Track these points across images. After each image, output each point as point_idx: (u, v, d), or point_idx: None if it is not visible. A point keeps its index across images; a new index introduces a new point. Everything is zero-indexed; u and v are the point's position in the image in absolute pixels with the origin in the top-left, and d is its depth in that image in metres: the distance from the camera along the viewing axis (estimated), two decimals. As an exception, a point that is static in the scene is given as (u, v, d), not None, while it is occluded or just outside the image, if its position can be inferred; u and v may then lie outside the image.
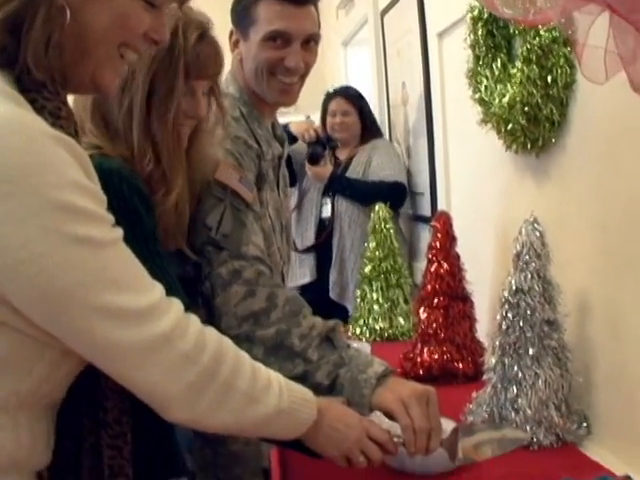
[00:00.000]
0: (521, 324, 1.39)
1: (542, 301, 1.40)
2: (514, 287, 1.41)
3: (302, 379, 1.04)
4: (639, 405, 1.26)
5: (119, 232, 0.78)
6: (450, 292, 1.87)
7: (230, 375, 0.82)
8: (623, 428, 1.33)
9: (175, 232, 1.12)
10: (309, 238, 3.10)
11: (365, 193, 2.96)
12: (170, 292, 0.82)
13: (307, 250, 3.08)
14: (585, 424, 1.43)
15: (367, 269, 2.34)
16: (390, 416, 1.05)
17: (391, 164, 3.03)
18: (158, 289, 0.80)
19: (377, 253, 2.34)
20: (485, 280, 1.97)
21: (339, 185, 3.03)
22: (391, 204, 2.44)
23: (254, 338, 1.07)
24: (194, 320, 0.82)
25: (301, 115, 3.43)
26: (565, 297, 1.44)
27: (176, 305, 0.81)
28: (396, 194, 2.94)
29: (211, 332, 0.84)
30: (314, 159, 2.97)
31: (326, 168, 3.01)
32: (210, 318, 1.09)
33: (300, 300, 1.15)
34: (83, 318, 0.72)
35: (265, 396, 0.85)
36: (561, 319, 1.43)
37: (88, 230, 0.71)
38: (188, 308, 0.84)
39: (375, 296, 2.34)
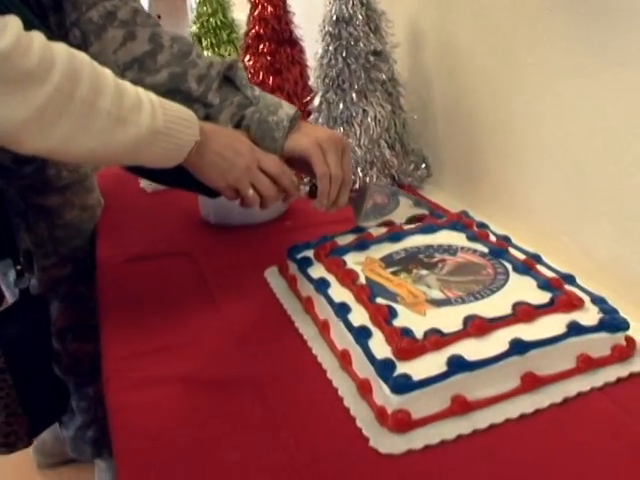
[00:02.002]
0: (344, 55, 1.27)
1: (367, 30, 1.28)
2: (334, 16, 1.27)
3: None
4: (477, 143, 1.22)
5: None
6: (276, 37, 1.72)
7: (89, 94, 0.71)
8: (462, 168, 1.30)
9: None
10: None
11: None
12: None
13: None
14: (424, 165, 1.40)
15: (195, 27, 2.14)
16: (301, 164, 0.94)
17: None
18: None
19: (205, 8, 2.13)
20: (316, 20, 1.81)
21: None
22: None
23: (143, 86, 0.90)
24: (38, 36, 0.69)
25: None
26: (394, 26, 1.33)
27: (13, 22, 0.67)
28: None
29: (60, 47, 0.71)
30: None
31: None
32: None
33: (187, 39, 0.98)
34: None
35: (135, 115, 0.75)
36: (390, 50, 1.32)
37: None
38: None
39: (206, 54, 2.17)
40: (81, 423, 1.44)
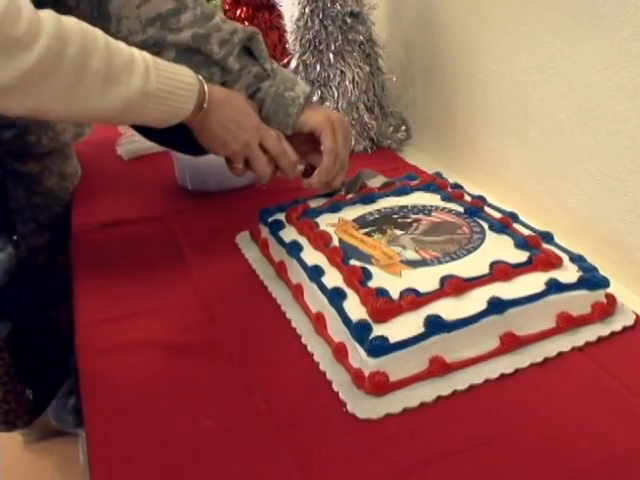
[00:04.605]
0: (320, 17, 1.24)
1: (343, -10, 1.25)
2: (311, -24, 1.23)
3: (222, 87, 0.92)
4: (456, 104, 1.20)
5: None
6: (254, 1, 1.69)
7: (77, 54, 0.70)
8: (442, 130, 1.28)
9: None
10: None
11: None
12: None
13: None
14: (403, 127, 1.37)
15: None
16: (305, 142, 0.94)
17: None
18: None
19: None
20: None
21: None
22: None
23: (164, 43, 0.90)
24: (26, 4, 0.68)
25: None
26: (371, -15, 1.29)
27: None
28: None
29: (47, 14, 0.69)
30: None
31: None
32: (102, 22, 0.90)
33: (208, 4, 0.95)
34: None
35: (125, 76, 0.74)
36: (367, 12, 1.29)
37: None
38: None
39: None
40: (62, 391, 1.43)
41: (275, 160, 0.90)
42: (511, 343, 0.69)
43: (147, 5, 0.89)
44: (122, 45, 0.75)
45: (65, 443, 1.60)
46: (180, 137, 0.88)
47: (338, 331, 0.70)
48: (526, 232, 0.81)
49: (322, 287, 0.74)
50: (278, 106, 0.93)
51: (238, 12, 1.69)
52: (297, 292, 0.80)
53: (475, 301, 0.69)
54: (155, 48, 0.89)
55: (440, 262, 0.76)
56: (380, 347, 0.64)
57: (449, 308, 0.68)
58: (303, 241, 0.84)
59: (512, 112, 1.03)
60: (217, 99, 0.84)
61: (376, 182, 1.01)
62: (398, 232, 0.84)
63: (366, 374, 0.64)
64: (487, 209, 0.89)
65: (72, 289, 0.91)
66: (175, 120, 0.81)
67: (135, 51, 0.76)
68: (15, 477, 1.56)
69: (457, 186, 0.97)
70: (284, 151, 0.90)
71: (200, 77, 0.82)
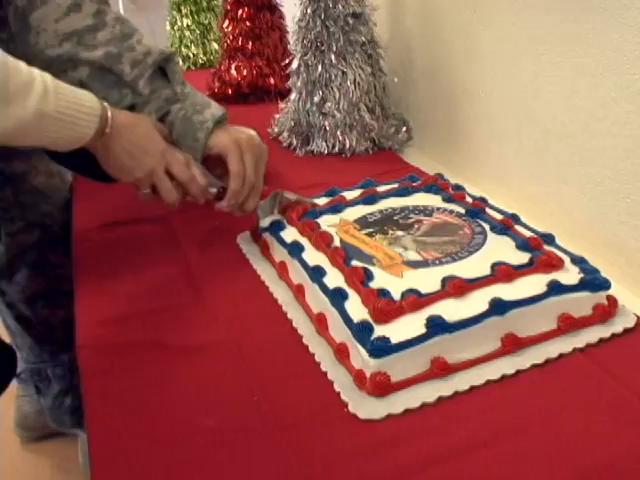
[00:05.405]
0: (322, 18, 1.24)
1: (345, -8, 1.25)
2: (313, -22, 1.23)
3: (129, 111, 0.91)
4: (458, 105, 1.20)
5: None
6: (255, 2, 1.70)
7: None
8: (443, 131, 1.28)
9: None
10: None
11: None
12: None
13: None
14: (405, 129, 1.37)
15: (175, -7, 2.11)
16: (218, 164, 0.92)
17: None
18: None
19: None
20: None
21: None
22: None
23: (78, 59, 0.90)
24: None
25: None
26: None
27: None
28: None
29: None
30: None
31: None
32: (22, 33, 0.91)
33: (131, 23, 0.97)
34: None
35: (22, 96, 0.73)
36: (369, 12, 1.29)
37: None
38: None
39: (186, 22, 2.16)
40: (58, 391, 1.43)
41: (183, 186, 0.88)
42: (512, 344, 0.69)
43: (66, 20, 0.89)
44: (22, 66, 0.74)
45: (64, 443, 1.60)
46: (89, 163, 0.86)
47: (339, 332, 0.70)
48: (527, 234, 0.81)
49: (323, 288, 0.74)
50: (187, 130, 0.92)
51: (240, 12, 1.70)
52: (298, 292, 0.80)
53: (476, 302, 0.69)
54: (70, 63, 0.89)
55: (441, 263, 0.76)
56: (381, 348, 0.64)
57: (451, 309, 0.68)
58: (304, 242, 0.84)
59: (514, 114, 1.03)
60: (121, 124, 0.82)
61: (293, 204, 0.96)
62: (399, 233, 0.84)
63: (367, 375, 0.64)
64: (488, 210, 0.89)
65: (70, 288, 0.91)
66: (76, 144, 0.80)
67: (36, 73, 0.75)
68: (14, 478, 1.56)
69: (458, 187, 0.97)
70: (192, 177, 0.87)
71: (105, 103, 0.81)
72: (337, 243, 0.82)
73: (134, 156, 0.84)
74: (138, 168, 0.85)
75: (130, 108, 0.92)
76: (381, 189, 0.98)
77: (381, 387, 0.64)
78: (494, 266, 0.73)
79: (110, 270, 0.92)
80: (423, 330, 0.66)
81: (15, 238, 1.24)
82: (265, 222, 0.93)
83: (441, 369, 0.66)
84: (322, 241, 0.82)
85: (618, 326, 0.73)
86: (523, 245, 0.78)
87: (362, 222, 0.88)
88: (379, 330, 0.66)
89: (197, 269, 0.91)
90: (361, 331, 0.66)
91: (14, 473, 1.56)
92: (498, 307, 0.68)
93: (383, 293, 0.69)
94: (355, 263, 0.77)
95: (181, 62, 2.14)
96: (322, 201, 0.95)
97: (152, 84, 0.93)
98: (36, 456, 1.61)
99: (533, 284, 0.71)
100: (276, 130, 1.41)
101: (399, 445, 0.59)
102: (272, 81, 1.69)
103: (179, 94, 0.94)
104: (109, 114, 0.81)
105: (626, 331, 0.73)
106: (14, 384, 1.55)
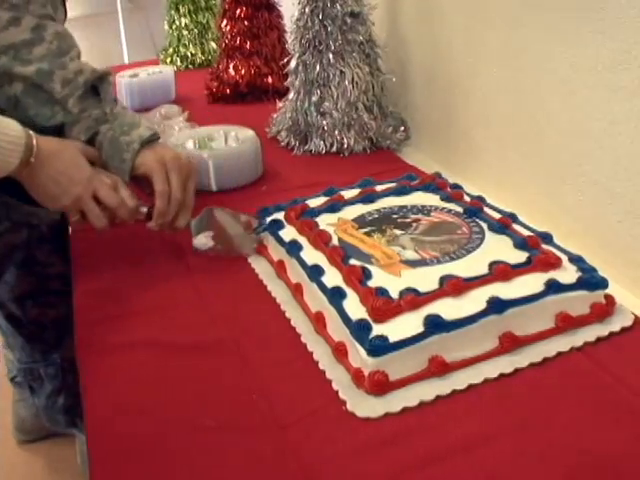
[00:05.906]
0: (320, 17, 1.24)
1: (343, -9, 1.25)
2: (309, -24, 1.24)
3: (59, 131, 0.92)
4: (456, 105, 1.20)
5: None
6: (253, 1, 1.70)
7: None
8: (441, 130, 1.28)
9: None
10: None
11: None
12: None
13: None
14: (403, 128, 1.37)
15: (173, -7, 2.10)
16: (146, 183, 0.92)
17: None
18: None
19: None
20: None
21: None
22: None
23: (12, 74, 0.89)
24: None
25: None
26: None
27: None
28: None
29: None
30: None
31: None
32: None
33: (72, 39, 0.96)
34: None
35: None
36: (367, 12, 1.29)
37: None
38: None
39: (184, 21, 2.15)
40: (50, 391, 1.42)
41: (111, 211, 0.88)
42: (510, 343, 0.69)
43: (4, 33, 0.88)
44: None
45: (60, 444, 1.60)
46: (18, 188, 0.86)
47: (338, 330, 0.70)
48: (525, 233, 0.81)
49: (322, 286, 0.74)
50: (114, 151, 0.92)
51: (238, 12, 1.69)
52: (297, 291, 0.80)
53: (474, 301, 0.69)
54: (6, 77, 0.88)
55: (439, 262, 0.77)
56: (380, 346, 0.64)
57: (449, 307, 0.68)
58: (303, 240, 0.84)
59: (511, 113, 1.03)
60: (46, 153, 0.82)
61: (228, 221, 0.96)
62: (398, 232, 0.84)
63: (366, 373, 0.64)
64: (486, 209, 0.89)
65: (60, 287, 0.91)
66: (0, 173, 0.79)
67: None
68: (10, 478, 1.56)
69: (456, 186, 0.97)
70: (120, 201, 0.88)
71: (30, 131, 0.81)
72: (335, 242, 0.82)
73: (60, 184, 0.84)
74: (65, 196, 0.85)
75: (61, 126, 0.91)
76: (379, 188, 0.98)
77: (379, 386, 0.64)
78: (492, 265, 0.73)
79: (109, 269, 0.92)
80: (421, 329, 0.66)
81: (2, 238, 1.24)
82: (199, 239, 0.93)
83: (439, 368, 0.66)
84: (320, 240, 0.82)
85: (616, 325, 0.73)
86: (521, 244, 0.78)
87: (360, 221, 0.88)
88: (377, 329, 0.66)
89: (196, 268, 0.91)
90: (359, 330, 0.66)
91: (10, 473, 1.56)
92: (496, 306, 0.68)
93: (381, 292, 0.69)
94: (353, 262, 0.77)
95: (179, 61, 2.13)
96: (320, 200, 0.95)
97: (82, 103, 0.92)
98: (32, 456, 1.61)
99: (531, 283, 0.71)
100: (274, 129, 1.41)
101: (397, 443, 0.59)
102: (270, 80, 1.69)
103: (108, 114, 0.94)
104: (34, 142, 0.80)
105: (624, 330, 0.73)
106: (10, 388, 1.56)
